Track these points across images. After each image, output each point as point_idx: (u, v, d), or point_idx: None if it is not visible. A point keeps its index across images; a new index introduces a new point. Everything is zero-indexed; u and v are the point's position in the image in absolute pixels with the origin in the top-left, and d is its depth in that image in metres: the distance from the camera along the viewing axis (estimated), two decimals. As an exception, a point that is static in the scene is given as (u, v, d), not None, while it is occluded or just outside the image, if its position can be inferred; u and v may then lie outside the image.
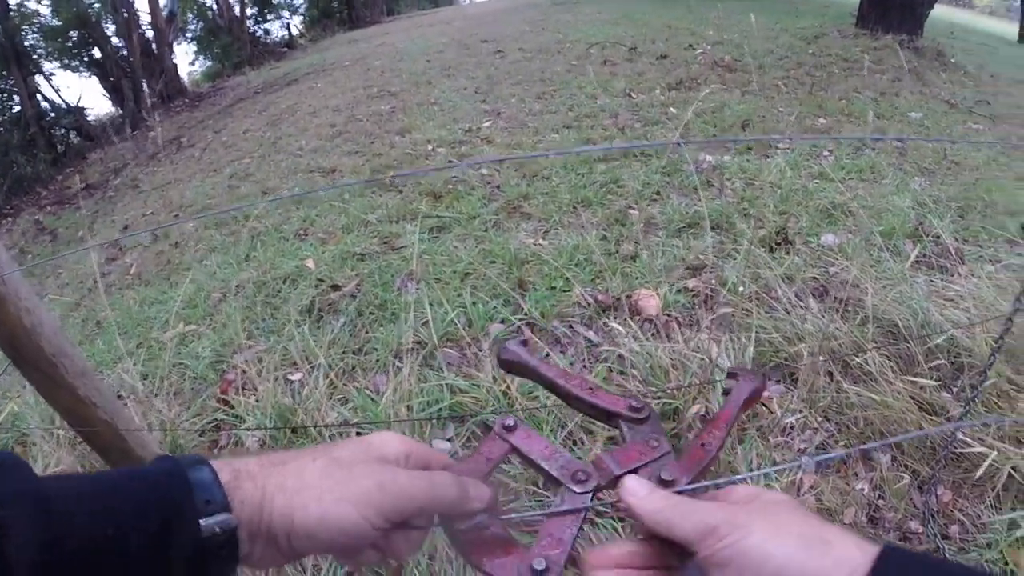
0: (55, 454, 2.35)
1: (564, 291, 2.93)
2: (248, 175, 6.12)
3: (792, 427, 2.16)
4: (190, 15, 20.96)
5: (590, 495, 0.60)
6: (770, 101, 5.99)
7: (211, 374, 2.84)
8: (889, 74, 7.26)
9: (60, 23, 15.00)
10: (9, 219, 9.28)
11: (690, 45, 8.48)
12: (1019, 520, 1.75)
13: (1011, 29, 17.19)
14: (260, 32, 22.35)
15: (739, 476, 1.58)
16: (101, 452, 1.89)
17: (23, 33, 14.22)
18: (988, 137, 5.35)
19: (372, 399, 2.37)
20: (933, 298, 2.63)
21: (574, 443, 2.11)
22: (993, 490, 1.86)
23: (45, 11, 14.91)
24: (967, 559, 1.72)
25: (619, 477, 0.60)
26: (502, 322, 2.78)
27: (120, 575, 0.46)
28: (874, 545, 0.46)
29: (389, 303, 2.95)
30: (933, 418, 2.11)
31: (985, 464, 1.87)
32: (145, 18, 16.37)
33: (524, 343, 0.76)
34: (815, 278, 2.93)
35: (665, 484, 0.59)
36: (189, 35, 21.20)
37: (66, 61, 15.50)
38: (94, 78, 15.89)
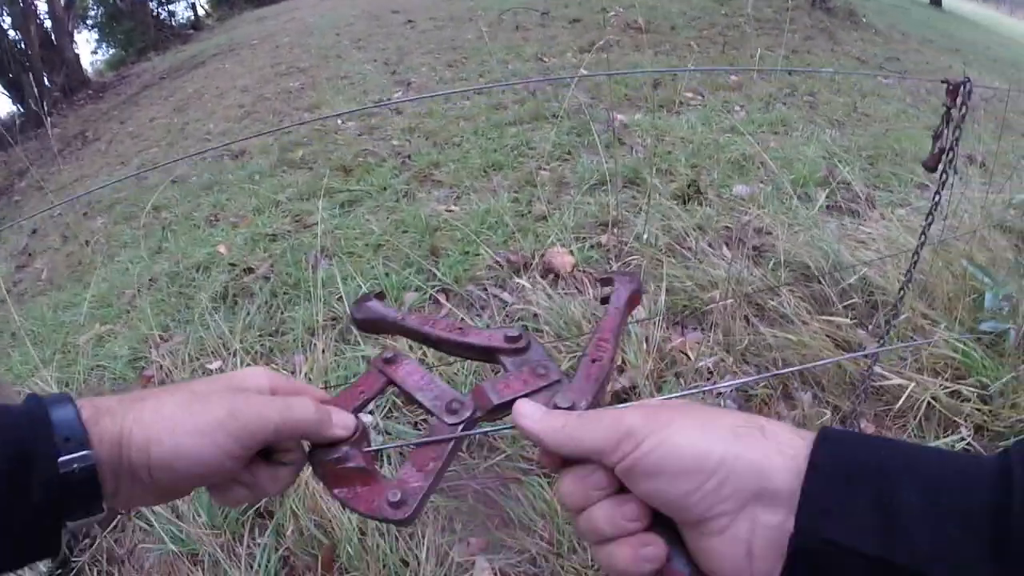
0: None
1: (477, 255, 2.97)
2: (156, 165, 5.95)
3: (711, 371, 2.22)
4: (90, 1, 19.99)
5: (461, 426, 0.57)
6: (682, 60, 6.08)
7: (130, 372, 2.80)
8: (801, 33, 7.46)
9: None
10: (-91, 232, 8.82)
11: (603, 8, 8.51)
12: (942, 448, 1.86)
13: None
14: (164, 15, 21.45)
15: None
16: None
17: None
18: (898, 91, 5.56)
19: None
20: (845, 241, 2.73)
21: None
22: (916, 419, 1.95)
23: (-66, 10, 14.07)
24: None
25: (499, 407, 0.56)
26: (416, 290, 2.81)
27: None
28: (807, 431, 0.43)
29: (303, 282, 2.95)
30: (849, 352, 2.20)
31: (904, 395, 1.96)
32: (43, 7, 15.56)
33: (380, 296, 0.72)
34: (727, 227, 3.02)
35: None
36: (90, 22, 20.23)
37: (-40, 60, 14.64)
38: (-9, 76, 15.07)
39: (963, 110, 1.53)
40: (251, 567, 1.69)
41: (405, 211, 3.53)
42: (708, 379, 2.21)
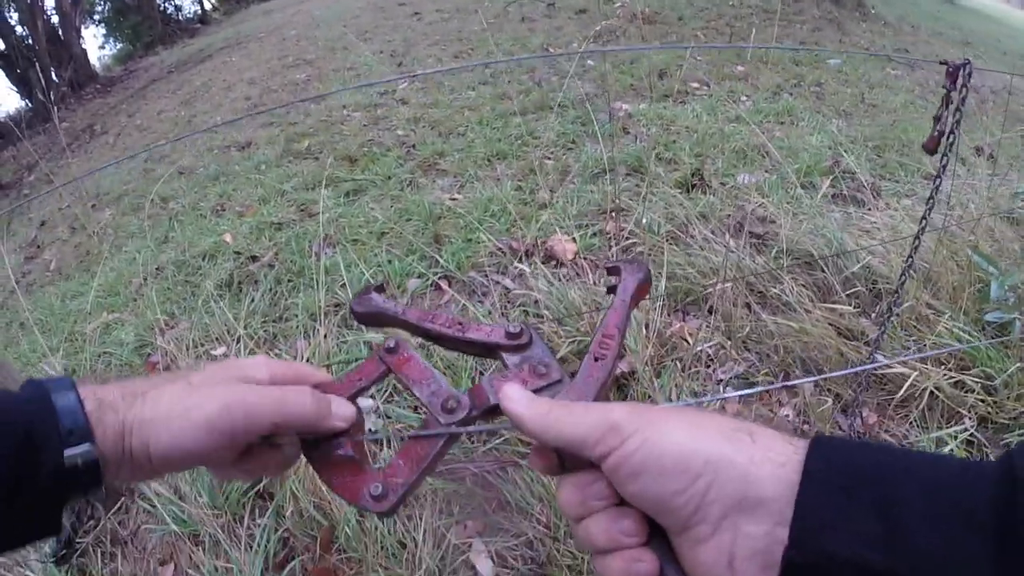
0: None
1: (479, 242, 2.98)
2: (163, 157, 5.98)
3: (712, 358, 2.22)
4: (97, -4, 20.02)
5: (454, 426, 0.56)
6: (688, 52, 6.05)
7: (136, 359, 2.83)
8: (809, 24, 7.41)
9: (-41, 17, 14.21)
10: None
11: None
12: (945, 438, 1.84)
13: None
14: (171, 9, 21.47)
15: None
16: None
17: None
18: (907, 82, 5.52)
19: (293, 363, 2.40)
20: (849, 230, 2.72)
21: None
22: (918, 409, 1.93)
23: (-59, 7, 14.12)
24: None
25: (496, 407, 0.55)
26: (419, 277, 2.82)
27: None
28: (798, 438, 0.42)
29: (307, 269, 2.97)
30: (852, 343, 2.17)
31: (906, 385, 1.94)
32: (50, 3, 15.60)
33: (380, 289, 0.70)
34: (730, 216, 3.01)
35: None
36: (97, 17, 20.26)
37: (-33, 57, 14.70)
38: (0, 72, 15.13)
39: (963, 92, 1.52)
40: (251, 547, 1.71)
41: (409, 200, 3.54)
42: (708, 366, 2.21)
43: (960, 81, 1.52)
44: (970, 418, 1.90)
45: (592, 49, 5.17)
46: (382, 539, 1.65)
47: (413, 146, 4.46)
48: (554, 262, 2.78)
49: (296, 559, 1.71)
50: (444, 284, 2.75)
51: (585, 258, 2.80)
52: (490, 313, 2.58)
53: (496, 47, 6.86)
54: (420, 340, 0.67)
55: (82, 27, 16.95)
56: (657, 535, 0.45)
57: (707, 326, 2.33)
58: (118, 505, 1.99)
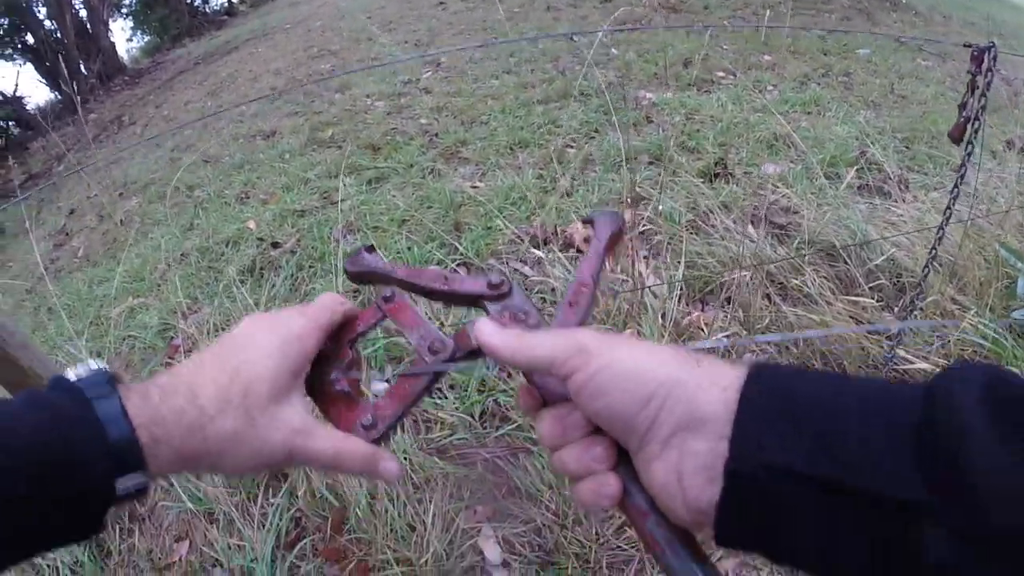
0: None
1: (499, 230, 2.98)
2: (190, 146, 6.04)
3: (729, 349, 2.19)
4: (124, -12, 20.26)
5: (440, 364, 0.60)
6: (714, 39, 5.98)
7: (159, 342, 2.87)
8: (838, 13, 7.29)
9: (-12, 12, 14.46)
10: (-46, 218, 9.07)
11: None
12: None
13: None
14: (198, 1, 21.68)
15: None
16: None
17: (-50, 27, 13.70)
18: (938, 73, 5.40)
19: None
20: (874, 222, 2.67)
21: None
22: None
23: (-29, 2, 14.37)
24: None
25: (478, 349, 0.57)
26: (438, 263, 2.82)
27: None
28: (742, 366, 0.45)
29: (327, 255, 2.98)
30: (874, 336, 2.14)
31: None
32: (77, -3, 15.83)
33: (371, 249, 0.72)
34: (754, 206, 2.98)
35: None
36: (124, 11, 20.49)
37: (-1, 51, 14.98)
38: (29, 65, 15.39)
39: (988, 77, 1.48)
40: (263, 526, 1.73)
41: (430, 187, 3.55)
42: (725, 357, 2.18)
43: (986, 65, 1.48)
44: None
45: (614, 28, 5.12)
46: (392, 522, 1.66)
47: (436, 135, 4.47)
48: (572, 249, 2.77)
49: (307, 539, 1.72)
50: (463, 271, 2.75)
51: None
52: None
53: (520, 36, 6.84)
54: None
55: (110, 20, 17.18)
56: (624, 460, 0.48)
57: (725, 316, 2.31)
58: (137, 484, 2.02)
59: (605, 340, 0.47)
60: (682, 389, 0.43)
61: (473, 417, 2.01)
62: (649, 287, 2.40)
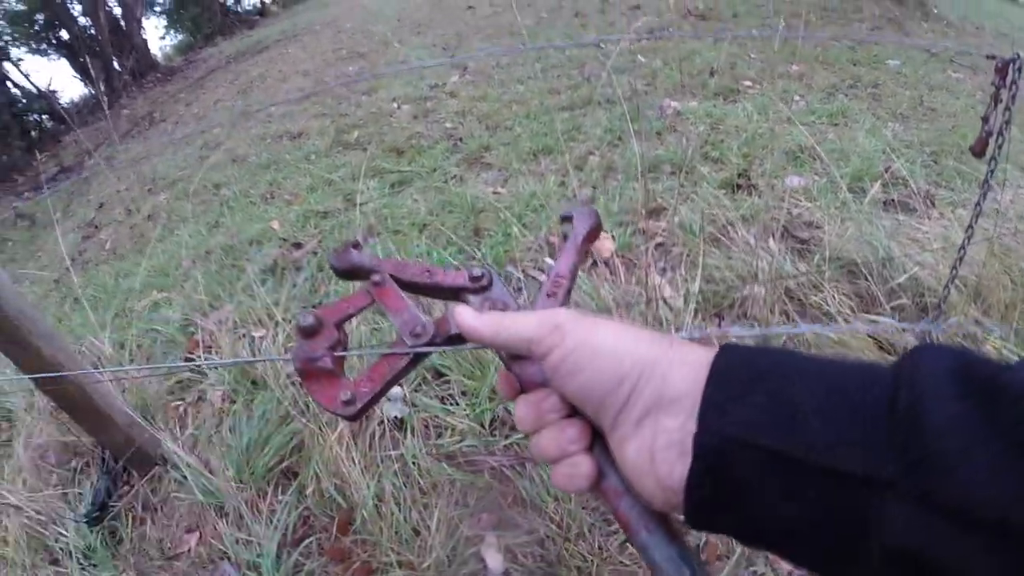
0: (36, 425, 2.42)
1: (520, 237, 2.98)
2: (218, 144, 6.12)
3: None
4: (158, -13, 20.62)
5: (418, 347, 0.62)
6: (742, 48, 5.95)
7: (180, 336, 2.90)
8: (868, 23, 7.22)
9: (25, 7, 14.76)
10: (-14, 208, 9.27)
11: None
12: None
13: (1000, -18, 16.97)
14: (231, 1, 21.99)
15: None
16: (70, 412, 1.98)
17: (-12, 20, 14.02)
18: (968, 86, 5.33)
19: (328, 348, 2.44)
20: (898, 239, 2.63)
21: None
22: None
23: (9, -4, 14.70)
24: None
25: (457, 335, 0.60)
26: (456, 269, 2.84)
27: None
28: (712, 347, 0.45)
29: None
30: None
31: None
32: (111, -6, 16.13)
33: (357, 245, 0.75)
34: (775, 219, 2.95)
35: None
36: (158, 9, 20.85)
37: (34, 45, 15.29)
38: (63, 60, 15.71)
39: (1013, 90, 1.46)
40: (271, 522, 1.75)
41: (453, 192, 3.57)
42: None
43: (1010, 77, 1.46)
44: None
45: (639, 36, 5.12)
46: (397, 525, 1.68)
47: (460, 139, 4.49)
48: (591, 259, 2.77)
49: (313, 537, 1.75)
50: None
51: (621, 257, 2.78)
52: (523, 308, 2.57)
53: (548, 42, 6.85)
54: None
55: (143, 18, 17.49)
56: (599, 442, 0.49)
57: (742, 334, 2.29)
58: (151, 473, 2.06)
59: (581, 319, 0.48)
60: (654, 368, 0.44)
61: (483, 425, 2.02)
62: (665, 299, 2.40)
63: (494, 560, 1.65)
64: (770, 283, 2.38)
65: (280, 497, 1.84)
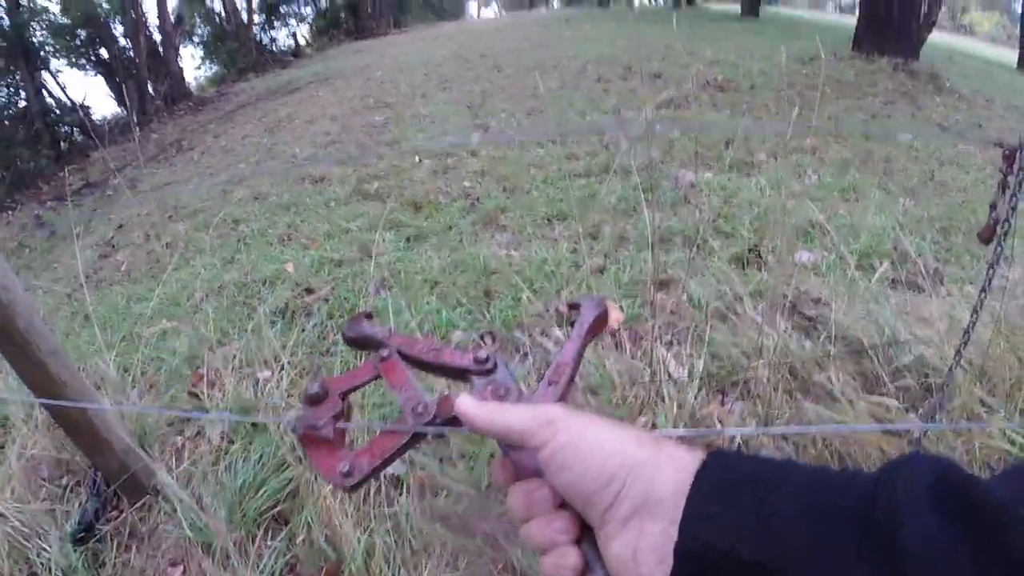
0: (32, 437, 2.45)
1: (529, 303, 3.04)
2: (242, 180, 6.24)
3: (746, 444, 2.19)
4: (197, 19, 21.18)
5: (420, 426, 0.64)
6: (757, 121, 6.08)
7: (185, 369, 2.94)
8: (882, 96, 7.36)
9: (69, 21, 15.13)
10: (9, 212, 9.39)
11: (686, 65, 8.60)
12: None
13: (1011, 56, 17.30)
14: (266, 40, 22.55)
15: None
16: (69, 432, 2.01)
17: (32, 29, 14.33)
18: (979, 160, 5.41)
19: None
20: (905, 317, 2.64)
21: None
22: None
23: (54, 9, 15.07)
24: None
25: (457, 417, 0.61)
26: (463, 330, 2.89)
27: None
28: (701, 450, 0.47)
29: (358, 308, 3.07)
30: (895, 439, 2.10)
31: None
32: (153, 20, 16.61)
33: (370, 316, 0.78)
34: (784, 295, 2.98)
35: None
36: (196, 39, 21.38)
37: (73, 59, 15.59)
38: (100, 77, 16.05)
39: (1020, 176, 1.46)
40: (258, 567, 1.76)
41: (466, 252, 3.64)
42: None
43: (1017, 164, 1.44)
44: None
45: (662, 116, 5.24)
46: (386, 583, 1.69)
47: (477, 199, 4.60)
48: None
49: (298, 583, 1.76)
50: (487, 339, 2.81)
51: (628, 329, 2.82)
52: (528, 374, 2.61)
53: (570, 106, 7.02)
54: None
55: (181, 47, 17.96)
56: (588, 535, 0.51)
57: (744, 412, 2.30)
58: (142, 502, 2.08)
59: (572, 416, 0.51)
60: (642, 469, 0.46)
61: (479, 489, 2.04)
62: (670, 374, 2.42)
63: (481, 628, 1.65)
64: (775, 363, 2.41)
65: (269, 542, 1.85)
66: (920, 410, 2.24)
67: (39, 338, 1.72)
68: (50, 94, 14.91)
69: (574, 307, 0.74)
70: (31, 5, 14.45)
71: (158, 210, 6.16)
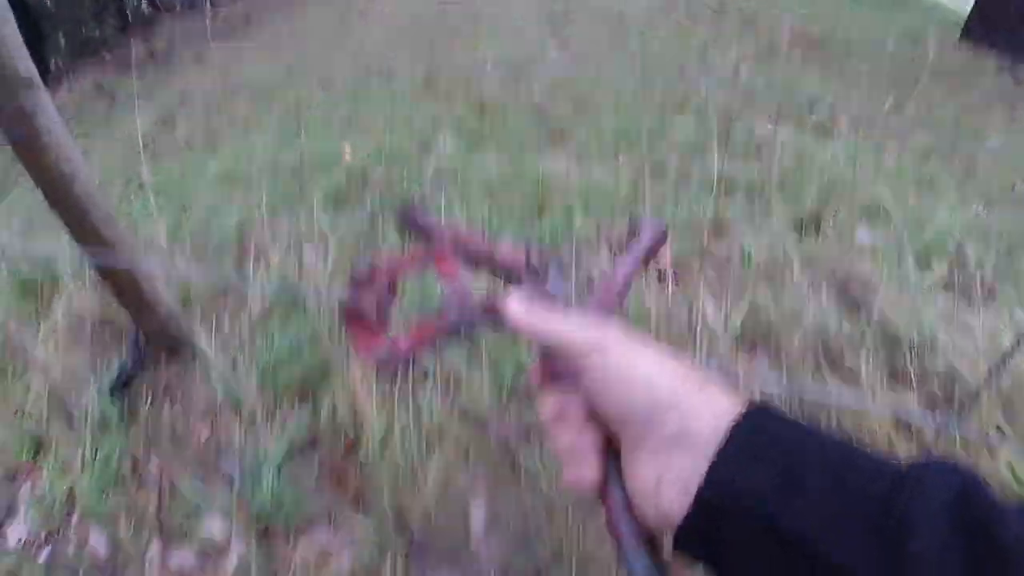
0: (79, 293, 2.50)
1: (582, 224, 2.96)
2: (308, 64, 6.19)
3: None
4: None
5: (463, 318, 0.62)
6: (846, 88, 5.80)
7: (233, 241, 2.96)
8: (979, 96, 6.98)
9: None
10: (72, 79, 9.47)
11: (781, 12, 8.20)
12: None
13: None
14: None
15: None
16: (117, 295, 2.04)
17: None
18: None
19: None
20: (948, 323, 2.56)
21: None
22: None
23: None
24: None
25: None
26: (512, 240, 2.83)
27: None
28: (742, 398, 0.46)
29: (411, 202, 3.03)
30: (906, 438, 2.07)
31: None
32: None
33: (422, 205, 0.76)
34: (834, 271, 2.89)
35: None
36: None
37: (143, -72, 15.46)
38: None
39: None
40: (282, 431, 1.80)
41: (526, 163, 3.56)
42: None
43: None
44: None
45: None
46: (398, 464, 1.72)
47: (546, 112, 4.48)
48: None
49: (316, 452, 1.79)
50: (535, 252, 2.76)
51: (675, 269, 2.74)
52: (570, 295, 2.56)
53: (653, 38, 6.76)
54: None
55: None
56: (612, 454, 0.50)
57: (768, 376, 2.26)
58: (179, 362, 2.12)
59: (627, 340, 0.49)
60: (683, 404, 0.45)
61: (500, 391, 2.03)
62: (706, 324, 2.37)
63: (478, 520, 1.68)
64: (810, 335, 2.35)
65: (295, 412, 1.88)
66: (936, 422, 2.19)
67: (94, 206, 1.76)
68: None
69: (633, 226, 0.71)
70: None
71: (221, 86, 6.14)
